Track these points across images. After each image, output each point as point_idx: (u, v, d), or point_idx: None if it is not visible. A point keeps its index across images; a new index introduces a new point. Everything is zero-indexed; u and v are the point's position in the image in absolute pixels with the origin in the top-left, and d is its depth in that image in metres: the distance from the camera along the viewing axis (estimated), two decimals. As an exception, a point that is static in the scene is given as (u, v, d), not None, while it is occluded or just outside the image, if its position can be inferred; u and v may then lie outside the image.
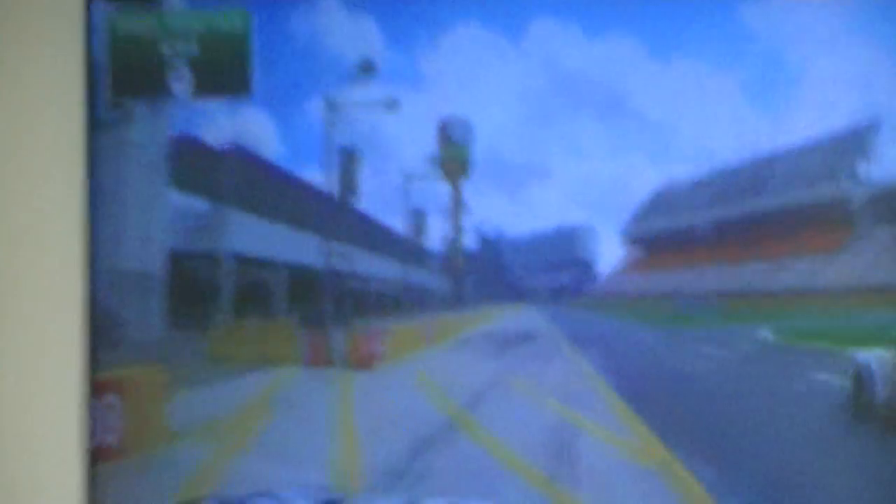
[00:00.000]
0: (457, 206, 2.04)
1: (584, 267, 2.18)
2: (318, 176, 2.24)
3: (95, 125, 2.22)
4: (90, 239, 2.22)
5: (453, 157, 2.08)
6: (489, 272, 2.34)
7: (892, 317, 2.11)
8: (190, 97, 1.96)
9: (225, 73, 2.00)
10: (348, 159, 2.25)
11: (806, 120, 1.90)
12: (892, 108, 1.93)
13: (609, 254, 2.12)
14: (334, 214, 2.25)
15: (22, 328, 2.47)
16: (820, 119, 1.98)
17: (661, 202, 2.29)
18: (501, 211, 2.06)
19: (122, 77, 2.00)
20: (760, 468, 2.29)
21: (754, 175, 2.06)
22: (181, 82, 1.98)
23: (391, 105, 1.99)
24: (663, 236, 2.30)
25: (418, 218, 2.61)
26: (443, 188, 2.20)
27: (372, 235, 2.60)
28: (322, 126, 2.16)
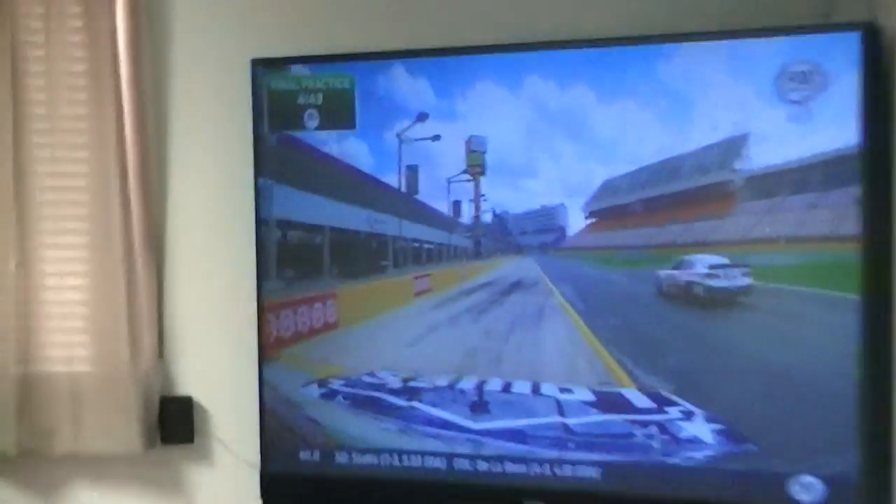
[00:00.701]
0: (477, 194, 2.73)
1: (560, 230, 2.81)
2: (393, 180, 3.02)
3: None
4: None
5: (475, 161, 2.78)
6: (499, 236, 2.99)
7: (768, 256, 2.98)
8: (317, 130, 2.94)
9: (338, 115, 2.97)
10: (411, 171, 2.99)
11: (701, 134, 2.63)
12: (757, 125, 2.69)
13: (576, 222, 2.78)
14: (402, 202, 2.96)
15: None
16: (710, 133, 2.75)
17: (608, 188, 2.95)
18: (507, 197, 2.71)
19: (275, 119, 3.00)
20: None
21: (668, 169, 2.76)
22: (312, 121, 2.99)
23: (435, 139, 2.78)
24: (611, 210, 2.95)
25: (455, 204, 3.29)
26: (471, 186, 2.98)
27: (423, 215, 3.24)
28: (396, 149, 2.90)
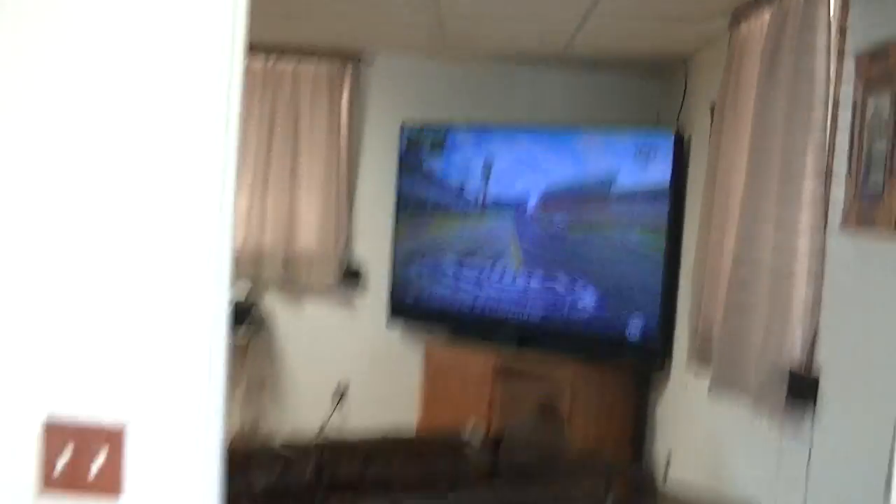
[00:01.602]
0: (485, 187, 4.72)
1: (525, 207, 4.52)
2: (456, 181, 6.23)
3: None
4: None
5: (487, 171, 4.87)
6: (495, 207, 4.78)
7: (618, 230, 5.72)
8: (428, 154, 6.33)
9: (438, 149, 5.66)
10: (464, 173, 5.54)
11: (593, 172, 4.35)
12: (622, 169, 4.75)
13: (532, 204, 4.50)
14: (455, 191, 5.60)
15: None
16: (597, 172, 5.71)
17: (548, 191, 4.69)
18: (500, 190, 4.47)
19: (409, 149, 5.62)
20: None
21: (577, 186, 4.50)
22: (426, 150, 6.41)
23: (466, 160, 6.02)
24: (547, 202, 4.72)
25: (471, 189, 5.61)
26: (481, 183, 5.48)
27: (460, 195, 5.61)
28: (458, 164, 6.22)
